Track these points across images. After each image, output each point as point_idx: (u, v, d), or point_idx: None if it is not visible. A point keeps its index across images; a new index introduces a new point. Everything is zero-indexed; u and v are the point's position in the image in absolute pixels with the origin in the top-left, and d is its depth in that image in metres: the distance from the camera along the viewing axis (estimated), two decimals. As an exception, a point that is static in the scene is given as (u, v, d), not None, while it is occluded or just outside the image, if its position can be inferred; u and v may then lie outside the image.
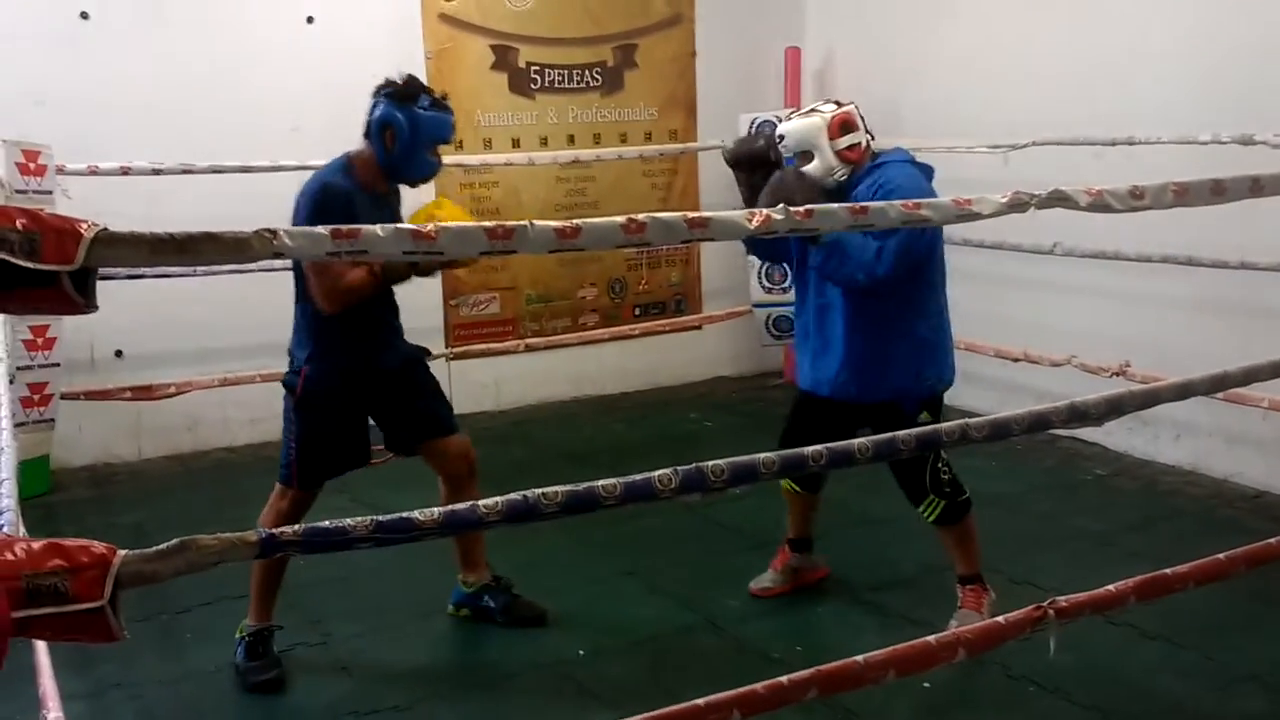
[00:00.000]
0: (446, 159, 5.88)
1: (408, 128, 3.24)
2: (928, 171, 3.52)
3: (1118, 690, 3.16)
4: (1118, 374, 4.99)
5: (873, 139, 3.51)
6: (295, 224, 3.11)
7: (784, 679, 2.14)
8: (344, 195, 3.22)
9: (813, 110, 3.49)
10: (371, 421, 3.53)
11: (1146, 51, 5.13)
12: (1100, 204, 2.21)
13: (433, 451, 3.55)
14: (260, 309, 4.87)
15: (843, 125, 3.40)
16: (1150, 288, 5.14)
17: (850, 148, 3.40)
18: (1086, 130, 5.14)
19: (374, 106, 3.32)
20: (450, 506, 1.79)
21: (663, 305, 7.13)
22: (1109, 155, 5.02)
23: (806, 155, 3.45)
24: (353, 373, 3.37)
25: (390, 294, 3.46)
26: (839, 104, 3.50)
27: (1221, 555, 2.64)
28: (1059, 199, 2.18)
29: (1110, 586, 2.46)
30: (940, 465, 3.49)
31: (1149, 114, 4.95)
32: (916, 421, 3.36)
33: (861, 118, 3.48)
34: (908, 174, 3.38)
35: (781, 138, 3.50)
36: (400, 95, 3.28)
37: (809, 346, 3.59)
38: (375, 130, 3.29)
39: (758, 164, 3.48)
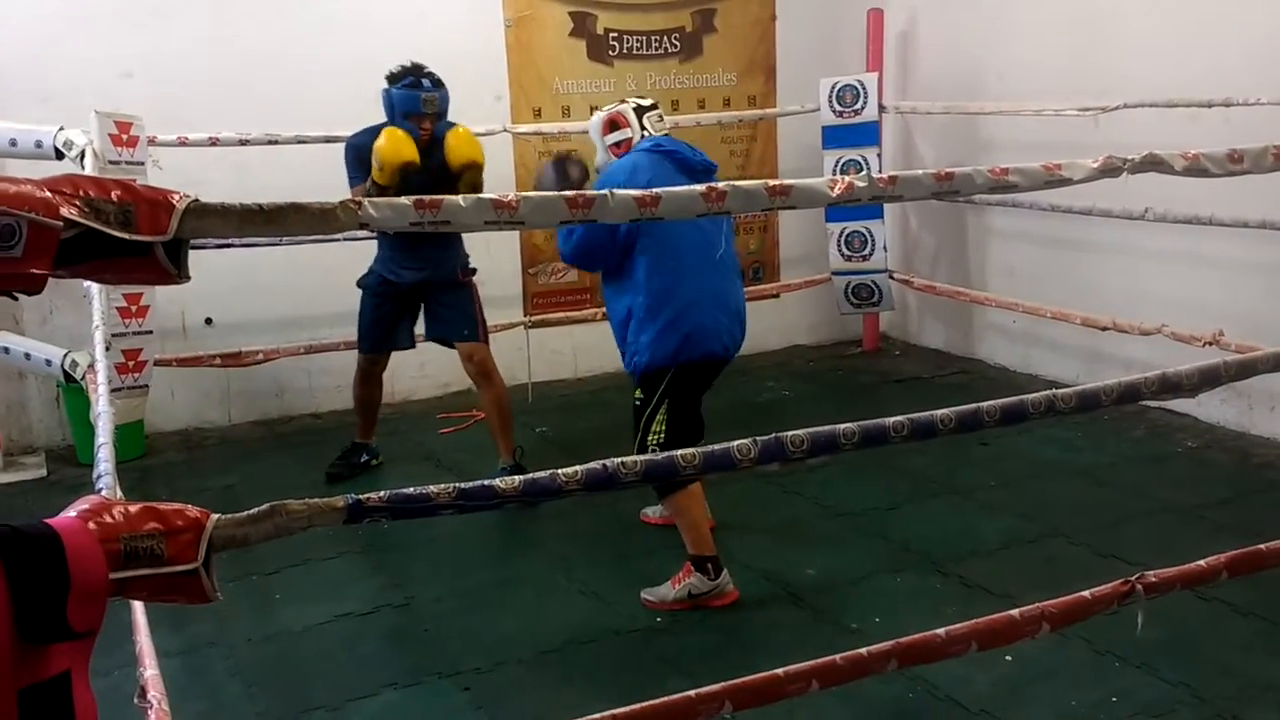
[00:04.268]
0: (525, 127, 6.00)
1: (386, 103, 4.47)
2: (684, 165, 3.70)
3: (1208, 667, 3.09)
4: (1210, 343, 4.84)
5: (647, 134, 3.78)
6: (346, 169, 4.53)
7: (864, 650, 2.12)
8: (366, 149, 4.35)
9: (608, 108, 3.90)
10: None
11: (1241, 9, 4.94)
12: (1197, 168, 2.15)
13: (457, 353, 4.78)
14: (345, 278, 4.94)
15: (611, 124, 3.83)
16: (1245, 254, 4.97)
17: (616, 144, 3.82)
18: (1180, 92, 4.97)
19: None
20: (530, 475, 1.81)
21: (741, 273, 7.06)
22: (1205, 117, 4.85)
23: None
24: (382, 278, 4.73)
25: (421, 237, 4.28)
26: (622, 103, 3.88)
27: (1319, 531, 2.56)
28: (1153, 163, 2.11)
29: (1202, 561, 2.40)
30: (650, 437, 3.62)
31: (1246, 74, 4.76)
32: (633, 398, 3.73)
33: (642, 113, 3.80)
34: (615, 170, 3.67)
35: None
36: (389, 78, 4.50)
37: None
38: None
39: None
